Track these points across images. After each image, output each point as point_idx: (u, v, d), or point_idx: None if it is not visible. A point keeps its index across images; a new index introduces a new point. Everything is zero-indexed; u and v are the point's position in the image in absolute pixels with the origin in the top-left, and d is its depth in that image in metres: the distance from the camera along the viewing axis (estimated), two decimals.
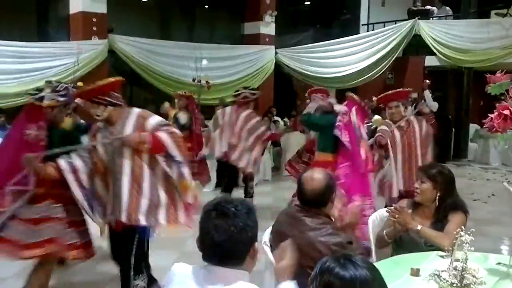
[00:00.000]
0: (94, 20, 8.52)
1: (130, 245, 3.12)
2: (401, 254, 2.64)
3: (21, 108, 3.48)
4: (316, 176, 2.26)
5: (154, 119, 3.09)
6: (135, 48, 9.19)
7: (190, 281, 1.59)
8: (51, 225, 3.25)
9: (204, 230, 1.58)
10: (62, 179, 3.11)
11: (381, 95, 4.74)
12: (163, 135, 3.00)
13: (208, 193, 7.19)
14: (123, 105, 3.17)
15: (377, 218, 3.10)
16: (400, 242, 2.80)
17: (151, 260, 3.69)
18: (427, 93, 8.60)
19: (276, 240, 2.35)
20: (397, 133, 4.48)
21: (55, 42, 8.49)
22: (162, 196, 3.10)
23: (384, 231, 2.82)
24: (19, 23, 9.26)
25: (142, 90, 11.02)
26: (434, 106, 8.52)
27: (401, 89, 4.92)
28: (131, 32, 9.47)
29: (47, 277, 3.45)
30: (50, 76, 7.71)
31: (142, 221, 3.02)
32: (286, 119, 11.08)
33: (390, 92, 4.71)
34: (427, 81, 8.87)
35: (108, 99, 3.04)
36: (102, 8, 8.65)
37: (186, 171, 3.15)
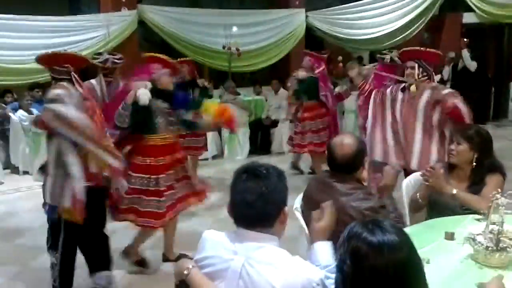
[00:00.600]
0: None
1: None
2: (435, 218, 2.61)
3: None
4: (346, 141, 2.23)
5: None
6: (165, 17, 9.13)
7: (221, 245, 1.62)
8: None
9: (235, 193, 1.60)
10: None
11: (403, 49, 4.11)
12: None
13: (241, 160, 7.25)
14: None
15: (411, 182, 3.06)
16: (435, 206, 2.76)
17: (189, 225, 3.86)
18: (465, 53, 8.29)
19: (307, 206, 2.36)
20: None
21: (85, 15, 8.54)
22: None
23: (418, 194, 2.78)
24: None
25: (175, 60, 11.04)
26: (473, 65, 8.23)
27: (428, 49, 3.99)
28: (160, 2, 9.40)
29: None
30: (82, 49, 7.83)
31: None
32: None
33: (412, 48, 4.03)
34: (465, 39, 8.51)
35: None
36: None
37: None
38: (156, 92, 3.67)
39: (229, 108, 4.02)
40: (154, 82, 3.72)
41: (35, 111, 7.08)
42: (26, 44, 7.57)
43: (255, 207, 1.57)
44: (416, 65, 3.76)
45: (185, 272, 1.59)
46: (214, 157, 7.68)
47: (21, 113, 6.90)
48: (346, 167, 2.23)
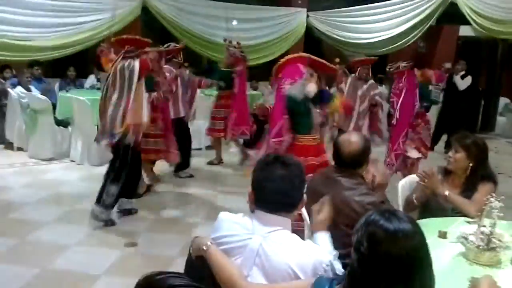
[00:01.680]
0: None
1: None
2: (428, 218, 2.75)
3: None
4: (353, 139, 2.36)
5: None
6: (167, 5, 9.20)
7: (238, 226, 1.74)
8: None
9: (266, 180, 1.72)
10: None
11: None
12: None
13: (236, 152, 7.33)
14: None
15: (406, 183, 3.20)
16: (427, 207, 2.90)
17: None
18: (457, 78, 8.56)
19: (311, 198, 2.49)
20: None
21: None
22: None
23: (414, 195, 2.92)
24: None
25: None
26: (463, 86, 8.49)
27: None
28: None
29: None
30: (86, 31, 7.85)
31: None
32: None
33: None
34: (459, 66, 8.72)
35: None
36: None
37: None
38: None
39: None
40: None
41: (33, 88, 7.09)
42: (31, 21, 7.63)
43: (287, 194, 1.70)
44: None
45: (204, 247, 1.70)
46: (208, 147, 7.77)
47: (20, 89, 6.91)
48: (352, 163, 2.36)
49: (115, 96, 4.08)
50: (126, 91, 4.07)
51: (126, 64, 4.07)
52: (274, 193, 1.70)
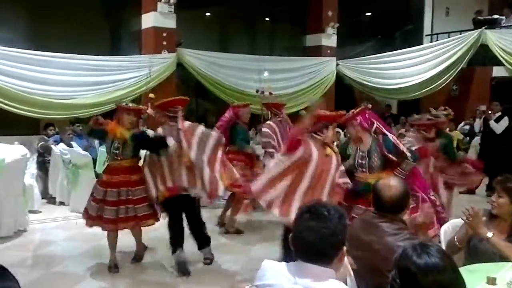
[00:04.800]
0: (164, 35, 8.96)
1: None
2: (474, 264, 2.66)
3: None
4: (393, 183, 2.35)
5: None
6: (201, 61, 9.56)
7: (281, 275, 1.73)
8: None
9: (297, 230, 1.71)
10: None
11: None
12: None
13: None
14: None
15: (449, 228, 3.13)
16: (474, 251, 2.81)
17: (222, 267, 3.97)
18: (492, 123, 8.42)
19: (351, 245, 2.46)
20: None
21: (128, 56, 8.99)
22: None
23: (455, 237, 2.84)
24: (95, 39, 9.90)
25: (206, 101, 11.42)
26: (499, 129, 8.29)
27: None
28: (196, 46, 9.86)
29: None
30: (124, 88, 8.18)
31: None
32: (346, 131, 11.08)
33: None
34: (490, 111, 8.59)
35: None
36: (171, 24, 9.09)
37: None
38: None
39: None
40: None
41: (75, 144, 7.37)
42: (70, 81, 8.04)
43: (315, 247, 1.67)
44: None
45: None
46: None
47: (62, 146, 7.19)
48: (393, 208, 2.34)
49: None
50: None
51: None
52: (304, 245, 1.69)
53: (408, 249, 1.41)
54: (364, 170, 3.83)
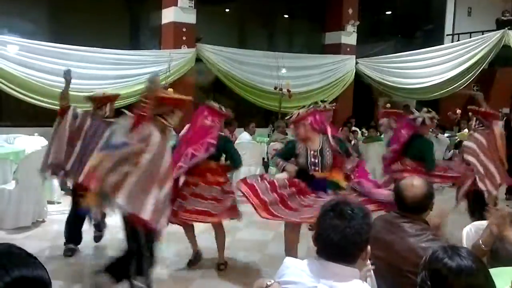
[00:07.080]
0: (184, 30, 8.99)
1: None
2: (498, 267, 2.61)
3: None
4: (416, 183, 2.31)
5: None
6: (220, 56, 9.57)
7: (303, 273, 1.71)
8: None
9: (321, 229, 1.70)
10: None
11: None
12: None
13: None
14: None
15: (471, 230, 3.06)
16: (496, 254, 2.75)
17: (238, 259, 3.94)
18: None
19: (372, 245, 2.43)
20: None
21: (148, 51, 9.05)
22: None
23: (480, 240, 2.79)
24: (115, 32, 9.94)
25: (224, 97, 11.41)
26: None
27: None
28: (216, 41, 9.87)
29: None
30: (143, 82, 8.22)
31: None
32: (364, 129, 10.99)
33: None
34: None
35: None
36: (191, 19, 9.11)
37: None
38: None
39: None
40: None
41: None
42: (90, 74, 8.10)
43: (338, 246, 1.65)
44: None
45: (268, 282, 1.67)
46: None
47: None
48: (415, 208, 2.30)
49: None
50: None
51: None
52: (327, 244, 1.67)
53: (438, 251, 1.39)
54: (317, 168, 4.02)
